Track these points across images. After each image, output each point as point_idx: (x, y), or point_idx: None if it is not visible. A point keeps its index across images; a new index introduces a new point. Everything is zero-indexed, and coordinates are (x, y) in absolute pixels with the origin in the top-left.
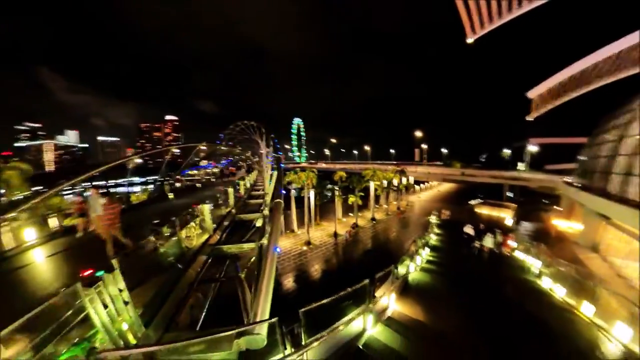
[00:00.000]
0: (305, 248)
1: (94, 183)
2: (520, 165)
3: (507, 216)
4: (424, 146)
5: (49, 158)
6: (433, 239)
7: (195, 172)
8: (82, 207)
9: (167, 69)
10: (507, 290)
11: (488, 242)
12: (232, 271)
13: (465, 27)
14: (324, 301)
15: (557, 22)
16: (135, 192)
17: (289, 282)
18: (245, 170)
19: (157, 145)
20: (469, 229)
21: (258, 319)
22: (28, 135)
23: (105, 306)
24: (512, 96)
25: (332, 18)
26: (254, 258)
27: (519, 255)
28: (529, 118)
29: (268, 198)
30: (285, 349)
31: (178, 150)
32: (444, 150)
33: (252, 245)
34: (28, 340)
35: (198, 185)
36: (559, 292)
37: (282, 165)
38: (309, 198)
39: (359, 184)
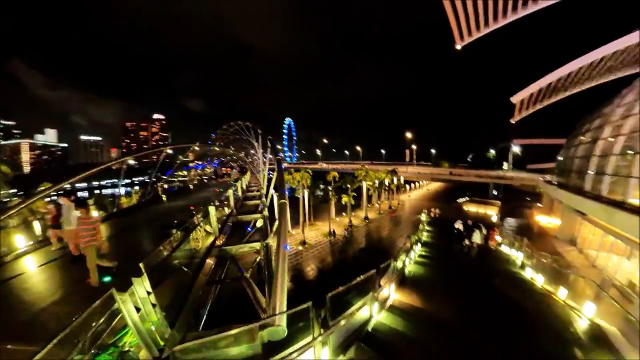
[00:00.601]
0: (300, 248)
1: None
2: (505, 165)
3: (492, 213)
4: (414, 147)
5: (26, 159)
6: (425, 235)
7: (185, 172)
8: (54, 217)
9: (153, 66)
10: (493, 280)
11: (476, 237)
12: (232, 272)
13: (454, 34)
14: (342, 288)
15: (537, 34)
16: (121, 195)
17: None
18: (237, 170)
19: (143, 145)
20: (458, 224)
21: (277, 312)
22: (0, 134)
23: (138, 309)
24: (497, 99)
25: (322, 18)
26: (258, 258)
27: (504, 249)
28: (512, 121)
29: (268, 199)
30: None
31: (170, 151)
32: (433, 151)
33: (257, 245)
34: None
35: (191, 186)
36: (539, 280)
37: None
38: (303, 198)
39: (352, 184)
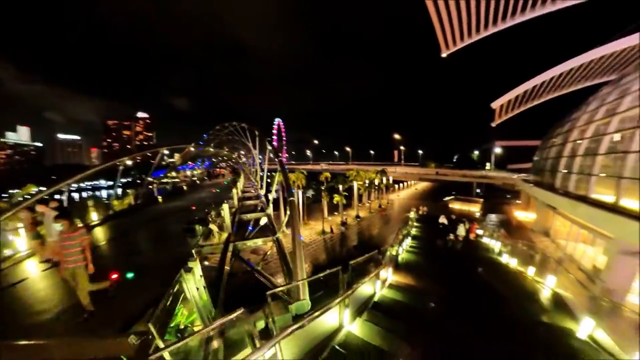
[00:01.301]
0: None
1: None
2: (488, 165)
3: (476, 210)
4: (402, 148)
5: None
6: (414, 230)
7: (174, 174)
8: (31, 224)
9: (140, 61)
10: (475, 264)
11: (461, 230)
12: (239, 266)
13: (440, 43)
14: (360, 259)
15: (515, 45)
16: (112, 196)
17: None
18: (230, 171)
19: (127, 145)
20: (443, 219)
21: (301, 290)
22: None
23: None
24: (481, 103)
25: (314, 20)
26: (268, 251)
27: (485, 240)
28: (493, 124)
29: (272, 198)
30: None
31: (167, 151)
32: (420, 152)
33: (268, 239)
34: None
35: (184, 187)
36: (512, 263)
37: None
38: (298, 198)
39: (345, 183)
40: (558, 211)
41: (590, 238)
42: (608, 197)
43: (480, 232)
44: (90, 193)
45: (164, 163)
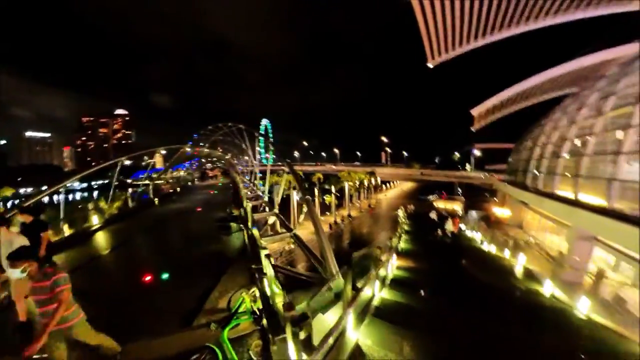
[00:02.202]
0: (293, 246)
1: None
2: (468, 166)
3: (458, 208)
4: (388, 150)
5: None
6: (406, 227)
7: (169, 174)
8: None
9: (119, 55)
10: (461, 252)
11: (449, 225)
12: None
13: (427, 53)
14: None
15: (494, 58)
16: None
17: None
18: (221, 172)
19: (103, 144)
20: (433, 215)
21: (335, 271)
22: None
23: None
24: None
25: (303, 21)
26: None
27: (468, 233)
28: (473, 129)
29: (278, 198)
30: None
31: (164, 152)
32: (405, 153)
33: (285, 235)
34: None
35: (178, 189)
36: (492, 249)
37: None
38: (293, 199)
39: (337, 184)
40: (529, 206)
41: (555, 228)
42: (569, 194)
43: (463, 226)
44: (64, 196)
45: (143, 164)
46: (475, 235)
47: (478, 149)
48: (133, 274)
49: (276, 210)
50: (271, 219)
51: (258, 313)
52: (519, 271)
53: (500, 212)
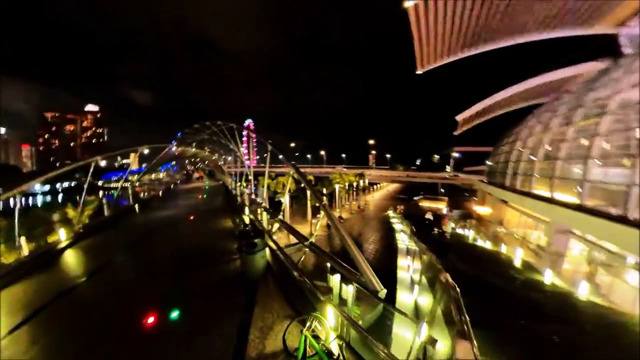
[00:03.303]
0: (304, 257)
1: None
2: (448, 168)
3: (442, 207)
4: (374, 152)
5: None
6: (404, 227)
7: (156, 175)
8: None
9: (91, 44)
10: (457, 247)
11: (448, 226)
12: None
13: (417, 60)
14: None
15: (474, 68)
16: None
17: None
18: (207, 173)
19: (70, 142)
20: (429, 215)
21: (368, 272)
22: None
23: None
24: (439, 111)
25: (289, 24)
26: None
27: (458, 230)
28: (456, 133)
29: (285, 202)
30: None
31: (147, 150)
32: (388, 156)
33: (299, 245)
34: None
35: (160, 194)
36: (480, 243)
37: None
38: (286, 202)
39: (330, 186)
40: (509, 204)
41: (534, 224)
42: (545, 192)
43: (452, 225)
44: (24, 201)
45: (116, 164)
46: (467, 233)
47: (457, 151)
48: (126, 314)
49: (280, 216)
50: (275, 226)
51: (336, 355)
52: (519, 264)
53: (482, 210)
